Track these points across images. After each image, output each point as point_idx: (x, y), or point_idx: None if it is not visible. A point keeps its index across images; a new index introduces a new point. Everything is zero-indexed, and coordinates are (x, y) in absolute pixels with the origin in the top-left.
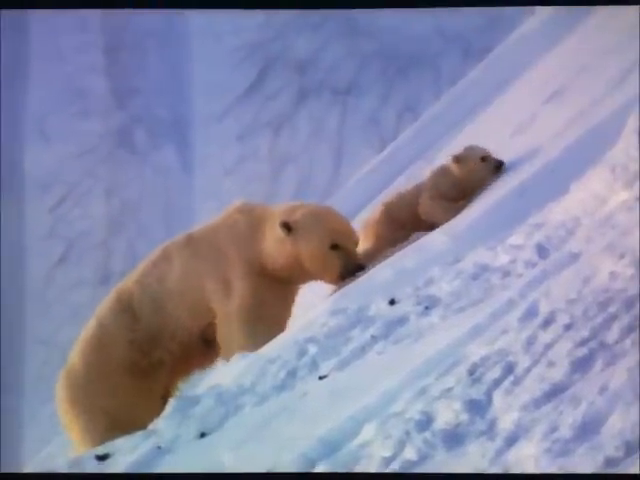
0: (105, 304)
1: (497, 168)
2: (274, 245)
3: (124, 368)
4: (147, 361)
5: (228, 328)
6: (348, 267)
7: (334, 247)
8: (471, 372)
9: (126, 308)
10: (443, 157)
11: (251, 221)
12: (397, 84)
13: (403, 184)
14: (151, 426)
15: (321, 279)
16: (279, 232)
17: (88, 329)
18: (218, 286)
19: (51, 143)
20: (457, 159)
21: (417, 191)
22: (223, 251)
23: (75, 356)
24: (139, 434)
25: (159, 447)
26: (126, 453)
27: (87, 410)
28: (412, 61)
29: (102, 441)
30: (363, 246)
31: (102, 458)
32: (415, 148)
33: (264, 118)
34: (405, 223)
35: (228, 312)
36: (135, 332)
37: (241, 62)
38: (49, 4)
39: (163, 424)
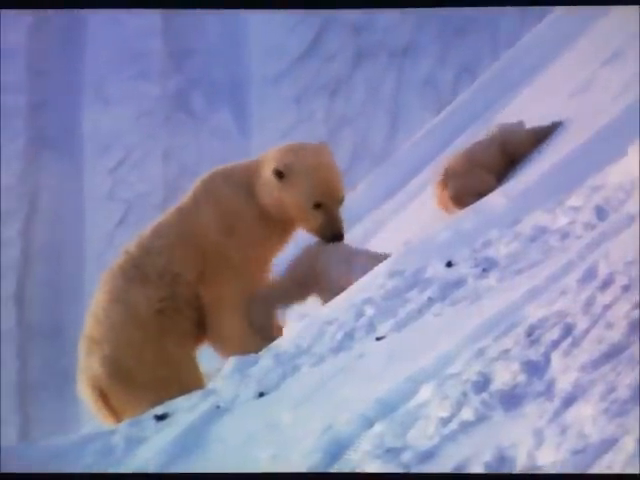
0: (108, 284)
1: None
2: (266, 186)
3: (162, 337)
4: (180, 325)
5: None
6: (327, 233)
7: (317, 206)
8: (529, 333)
9: (134, 276)
10: (501, 119)
11: (248, 167)
12: (454, 45)
13: (461, 147)
14: (210, 385)
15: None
16: (271, 177)
17: (108, 315)
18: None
19: (109, 105)
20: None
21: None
22: (226, 200)
23: (110, 344)
24: (198, 393)
25: (218, 406)
26: (185, 412)
27: (139, 387)
28: (469, 22)
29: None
30: (447, 195)
31: (161, 418)
32: (473, 110)
33: (320, 81)
34: (491, 166)
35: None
36: (161, 301)
37: (297, 24)
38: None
39: (222, 384)
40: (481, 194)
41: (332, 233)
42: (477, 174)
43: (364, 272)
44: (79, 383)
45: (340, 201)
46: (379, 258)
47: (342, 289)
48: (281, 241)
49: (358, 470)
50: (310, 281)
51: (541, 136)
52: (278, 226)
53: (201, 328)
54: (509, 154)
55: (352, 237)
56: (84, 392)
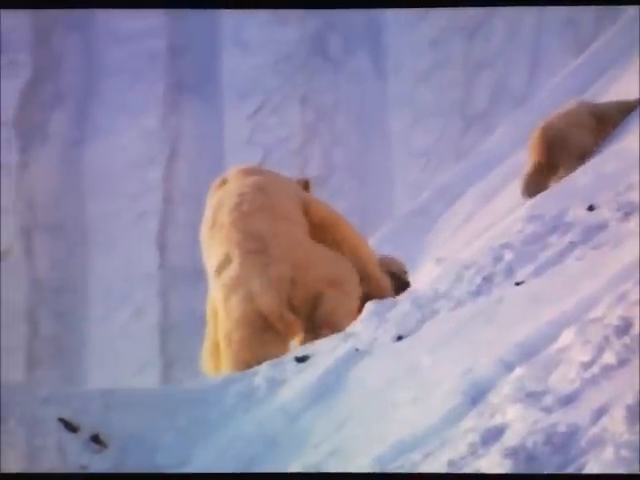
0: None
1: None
2: None
3: None
4: None
5: None
6: None
7: None
8: None
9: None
10: None
11: None
12: None
13: (601, 89)
14: (349, 329)
15: None
16: None
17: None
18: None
19: (248, 50)
20: None
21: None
22: None
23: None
24: (337, 336)
25: (357, 349)
26: (324, 355)
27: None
28: None
29: None
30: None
31: (301, 360)
32: (615, 52)
33: (458, 23)
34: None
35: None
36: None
37: None
38: None
39: (361, 327)
40: (581, 150)
41: None
42: (577, 130)
43: None
44: (261, 290)
45: None
46: None
47: None
48: None
49: (499, 414)
50: None
51: (629, 108)
52: None
53: None
54: (599, 118)
55: (494, 179)
56: (268, 300)
